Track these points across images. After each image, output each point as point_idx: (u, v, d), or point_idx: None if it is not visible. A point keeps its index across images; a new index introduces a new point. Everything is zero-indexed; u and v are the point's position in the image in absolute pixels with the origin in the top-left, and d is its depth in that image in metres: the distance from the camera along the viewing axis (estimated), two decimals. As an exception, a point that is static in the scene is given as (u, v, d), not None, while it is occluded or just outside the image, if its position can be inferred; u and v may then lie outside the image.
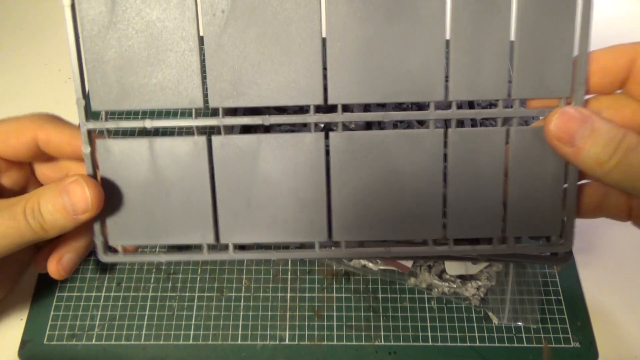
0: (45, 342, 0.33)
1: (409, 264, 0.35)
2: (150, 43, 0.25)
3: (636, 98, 0.25)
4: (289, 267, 0.36)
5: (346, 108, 0.26)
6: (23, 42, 0.46)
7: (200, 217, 0.26)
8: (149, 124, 0.26)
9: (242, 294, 0.35)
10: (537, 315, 0.34)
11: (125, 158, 0.26)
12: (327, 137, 0.26)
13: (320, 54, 0.25)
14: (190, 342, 0.33)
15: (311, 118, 0.25)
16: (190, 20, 0.25)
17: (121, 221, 0.27)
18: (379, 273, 0.35)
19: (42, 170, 0.31)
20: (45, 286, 0.35)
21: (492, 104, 0.26)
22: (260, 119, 0.26)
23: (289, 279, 0.36)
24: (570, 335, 0.34)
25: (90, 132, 0.26)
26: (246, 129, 0.29)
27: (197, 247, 0.27)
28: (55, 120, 0.28)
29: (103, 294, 0.35)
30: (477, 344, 0.33)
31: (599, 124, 0.22)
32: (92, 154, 0.26)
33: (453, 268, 0.35)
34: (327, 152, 0.26)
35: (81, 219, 0.25)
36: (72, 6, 0.24)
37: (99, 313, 0.34)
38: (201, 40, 0.25)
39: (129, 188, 0.26)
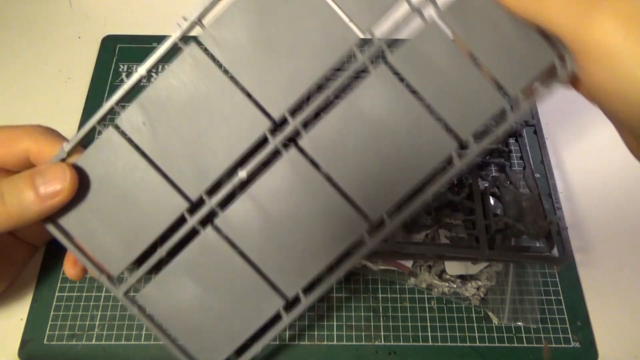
0: (45, 342, 0.33)
1: (409, 264, 0.35)
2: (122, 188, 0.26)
3: None
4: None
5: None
6: (23, 42, 0.46)
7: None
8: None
9: (242, 294, 0.35)
10: (537, 315, 0.34)
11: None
12: (300, 148, 0.26)
13: (243, 96, 0.25)
14: (190, 342, 0.33)
15: (273, 142, 0.26)
16: (130, 150, 0.26)
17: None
18: (379, 273, 0.35)
19: None
20: (45, 286, 0.35)
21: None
22: (237, 179, 0.26)
23: (289, 279, 0.36)
24: (570, 335, 0.34)
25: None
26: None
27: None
28: (50, 133, 0.28)
29: (103, 294, 0.35)
30: (477, 344, 0.33)
31: None
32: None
33: (453, 268, 0.35)
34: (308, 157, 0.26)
35: (49, 205, 0.24)
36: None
37: (99, 313, 0.34)
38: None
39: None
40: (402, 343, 0.33)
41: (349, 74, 0.25)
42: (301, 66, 0.25)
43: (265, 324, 0.27)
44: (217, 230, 0.26)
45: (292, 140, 0.26)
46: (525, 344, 0.33)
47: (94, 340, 0.33)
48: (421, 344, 0.33)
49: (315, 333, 0.34)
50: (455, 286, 0.34)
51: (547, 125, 0.42)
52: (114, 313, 0.34)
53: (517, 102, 0.24)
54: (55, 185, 0.24)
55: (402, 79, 0.25)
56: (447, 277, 0.35)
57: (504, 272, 0.35)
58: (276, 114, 0.25)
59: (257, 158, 0.26)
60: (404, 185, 0.25)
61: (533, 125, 0.39)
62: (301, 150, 0.26)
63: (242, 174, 0.26)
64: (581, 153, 0.41)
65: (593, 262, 0.37)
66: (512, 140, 0.40)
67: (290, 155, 0.26)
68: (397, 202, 0.25)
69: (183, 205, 0.26)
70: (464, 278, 0.35)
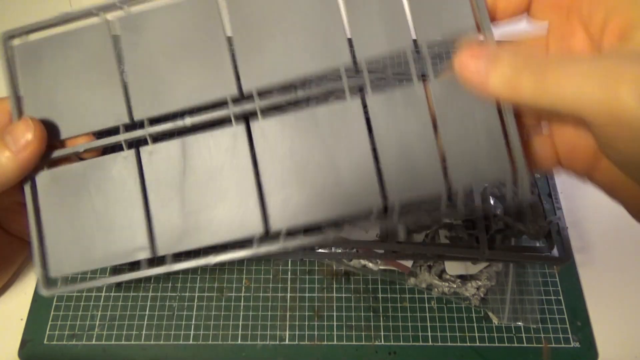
0: (45, 342, 0.33)
1: (409, 264, 0.35)
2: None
3: (540, 19, 0.25)
4: (289, 267, 0.36)
5: (263, 95, 0.26)
6: (23, 42, 0.46)
7: (134, 233, 0.26)
8: (82, 148, 0.26)
9: (242, 294, 0.35)
10: (537, 315, 0.34)
11: (61, 185, 0.26)
12: (249, 128, 0.26)
13: (226, 48, 0.25)
14: (190, 342, 0.33)
15: (229, 110, 0.25)
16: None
17: (60, 250, 0.26)
18: (379, 273, 0.35)
19: None
20: (45, 286, 0.35)
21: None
22: (182, 122, 0.26)
23: (289, 279, 0.36)
24: (570, 335, 0.34)
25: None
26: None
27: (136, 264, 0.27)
28: None
29: (103, 294, 0.35)
30: (477, 344, 0.33)
31: (501, 51, 0.21)
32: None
33: (453, 268, 0.35)
34: (252, 141, 0.26)
35: (24, 158, 0.25)
36: None
37: (99, 313, 0.34)
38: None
39: (66, 216, 0.26)
40: (402, 343, 0.33)
41: (325, 90, 0.25)
42: (292, 55, 0.25)
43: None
44: (137, 154, 0.26)
45: (246, 119, 0.26)
46: (525, 344, 0.33)
47: (94, 340, 0.33)
48: (421, 344, 0.33)
49: (315, 333, 0.34)
50: (455, 286, 0.34)
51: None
52: (114, 313, 0.34)
53: (457, 197, 0.24)
54: (25, 136, 0.24)
55: (367, 118, 0.25)
56: (447, 277, 0.35)
57: (504, 272, 0.35)
58: (246, 86, 0.25)
59: (207, 115, 0.26)
60: (318, 214, 0.25)
61: (533, 125, 0.39)
62: (248, 131, 0.25)
63: (188, 120, 0.26)
64: (581, 153, 0.41)
65: (593, 262, 0.37)
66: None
67: (237, 129, 0.26)
68: (303, 225, 0.25)
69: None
70: (464, 278, 0.35)
